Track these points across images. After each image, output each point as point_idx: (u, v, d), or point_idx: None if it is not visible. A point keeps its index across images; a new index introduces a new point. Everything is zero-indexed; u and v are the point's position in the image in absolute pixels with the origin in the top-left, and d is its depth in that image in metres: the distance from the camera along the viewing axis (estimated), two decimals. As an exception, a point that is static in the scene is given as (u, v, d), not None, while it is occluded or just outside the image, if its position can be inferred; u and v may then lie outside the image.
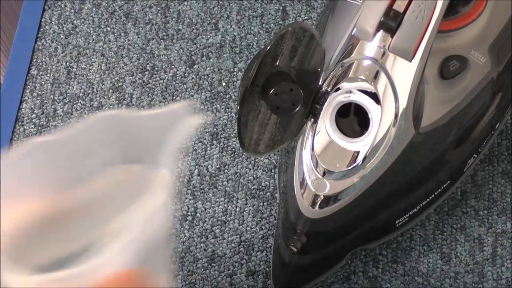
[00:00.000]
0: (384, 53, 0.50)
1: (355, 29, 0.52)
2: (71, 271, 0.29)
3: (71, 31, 0.72)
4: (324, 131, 0.50)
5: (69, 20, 0.73)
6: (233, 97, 0.69)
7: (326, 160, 0.50)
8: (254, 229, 0.63)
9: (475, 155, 0.60)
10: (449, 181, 0.59)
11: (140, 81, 0.70)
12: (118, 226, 0.32)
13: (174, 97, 0.69)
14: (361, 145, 0.50)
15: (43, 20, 0.73)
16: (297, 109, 0.48)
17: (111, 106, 0.69)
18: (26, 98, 0.69)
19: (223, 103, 0.68)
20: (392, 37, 0.50)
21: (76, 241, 0.35)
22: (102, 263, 0.30)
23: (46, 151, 0.32)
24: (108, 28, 0.72)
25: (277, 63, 0.48)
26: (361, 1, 0.56)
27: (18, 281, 0.29)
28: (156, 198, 0.31)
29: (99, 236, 0.34)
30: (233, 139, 0.67)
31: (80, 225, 0.35)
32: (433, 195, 0.58)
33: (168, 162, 0.33)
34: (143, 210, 0.30)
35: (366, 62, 0.51)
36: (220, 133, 0.67)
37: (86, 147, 0.33)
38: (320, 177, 0.51)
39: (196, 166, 0.66)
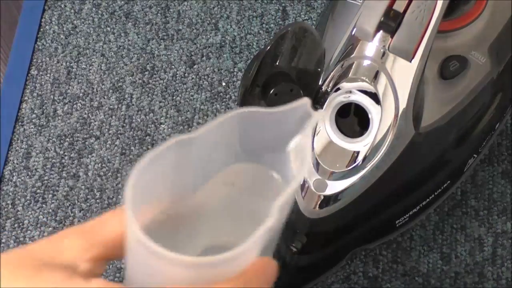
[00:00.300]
0: (384, 53, 0.50)
1: (355, 29, 0.52)
2: (225, 255, 0.29)
3: (71, 31, 0.72)
4: (324, 131, 0.50)
5: (69, 20, 0.73)
6: (233, 97, 0.69)
7: (326, 160, 0.50)
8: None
9: (475, 155, 0.60)
10: (449, 181, 0.59)
11: (140, 81, 0.70)
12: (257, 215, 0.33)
13: (174, 97, 0.69)
14: (361, 145, 0.50)
15: (43, 20, 0.73)
16: (297, 109, 0.48)
17: (111, 106, 0.69)
18: (26, 98, 0.69)
19: (223, 103, 0.68)
20: (392, 37, 0.50)
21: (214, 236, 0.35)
22: (248, 249, 0.30)
23: (181, 149, 0.32)
24: (108, 28, 0.72)
25: (277, 63, 0.48)
26: (361, 1, 0.56)
27: (181, 261, 0.29)
28: (290, 187, 0.31)
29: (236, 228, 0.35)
30: (233, 139, 0.67)
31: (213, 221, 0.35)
32: (433, 195, 0.58)
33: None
34: (281, 199, 0.31)
35: (366, 62, 0.51)
36: (220, 133, 0.67)
37: (216, 145, 0.33)
38: (320, 177, 0.51)
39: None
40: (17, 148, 0.68)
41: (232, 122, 0.32)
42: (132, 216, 0.28)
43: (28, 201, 0.66)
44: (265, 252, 0.32)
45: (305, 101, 0.32)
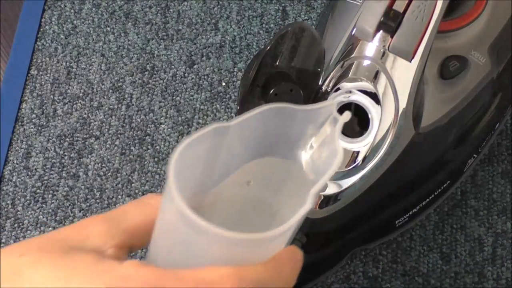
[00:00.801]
0: (384, 53, 0.50)
1: (355, 29, 0.52)
2: (269, 233, 0.30)
3: (71, 31, 0.72)
4: (324, 131, 0.50)
5: (69, 20, 0.73)
6: (233, 97, 0.69)
7: (326, 160, 0.50)
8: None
9: (475, 155, 0.60)
10: (449, 181, 0.59)
11: (140, 81, 0.70)
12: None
13: (174, 97, 0.69)
14: (361, 145, 0.50)
15: (43, 20, 0.73)
16: (297, 109, 0.48)
17: (111, 106, 0.69)
18: (26, 98, 0.69)
19: (223, 103, 0.68)
20: (392, 37, 0.50)
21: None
22: (283, 232, 0.30)
23: (216, 138, 0.33)
24: (108, 28, 0.72)
25: (277, 63, 0.48)
26: (361, 1, 0.56)
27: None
28: (324, 177, 0.32)
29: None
30: (233, 139, 0.67)
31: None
32: (433, 195, 0.58)
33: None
34: (317, 187, 0.32)
35: (366, 62, 0.51)
36: (220, 133, 0.67)
37: (245, 138, 0.34)
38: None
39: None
40: (17, 148, 0.68)
41: (268, 115, 0.33)
42: (176, 190, 0.29)
43: (28, 201, 0.66)
44: (286, 244, 0.33)
45: (331, 103, 0.33)
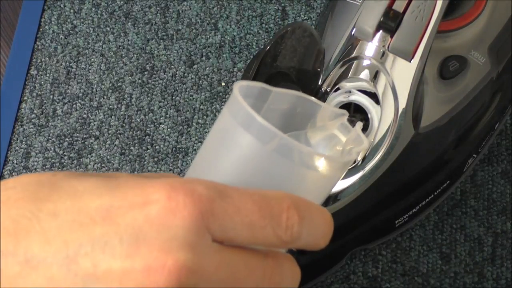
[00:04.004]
0: (383, 53, 0.50)
1: (354, 29, 0.52)
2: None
3: (71, 31, 0.72)
4: (323, 131, 0.50)
5: (68, 20, 0.73)
6: (232, 97, 0.69)
7: (325, 160, 0.50)
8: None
9: (475, 155, 0.60)
10: (448, 181, 0.59)
11: (140, 81, 0.70)
12: None
13: (173, 97, 0.69)
14: (361, 145, 0.50)
15: (42, 20, 0.73)
16: (297, 109, 0.48)
17: (110, 106, 0.69)
18: (25, 98, 0.69)
19: (223, 103, 0.68)
20: (391, 37, 0.50)
21: None
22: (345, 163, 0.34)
23: (256, 100, 0.34)
24: (108, 28, 0.72)
25: (276, 63, 0.48)
26: (360, 1, 0.56)
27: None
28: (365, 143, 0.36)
29: None
30: (233, 139, 0.67)
31: None
32: (432, 195, 0.58)
33: None
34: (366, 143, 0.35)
35: (366, 62, 0.51)
36: (219, 133, 0.67)
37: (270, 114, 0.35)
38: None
39: (196, 166, 0.66)
40: (16, 148, 0.68)
41: (298, 100, 0.35)
42: (240, 94, 0.31)
43: (27, 201, 0.66)
44: None
45: (344, 113, 0.36)
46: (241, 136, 0.31)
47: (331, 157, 0.33)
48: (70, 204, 0.30)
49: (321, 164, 0.32)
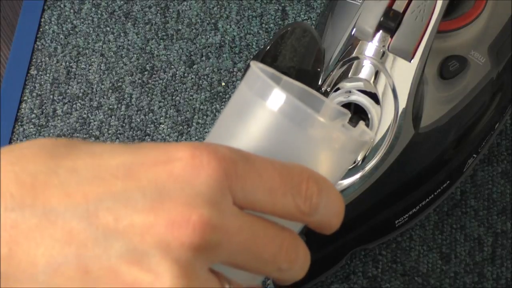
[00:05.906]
0: (383, 53, 0.50)
1: (354, 29, 0.52)
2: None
3: (71, 31, 0.72)
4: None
5: (68, 20, 0.73)
6: (232, 97, 0.69)
7: (325, 160, 0.50)
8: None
9: (475, 155, 0.60)
10: (448, 181, 0.59)
11: (140, 81, 0.70)
12: None
13: (173, 97, 0.69)
14: (361, 145, 0.50)
15: (42, 20, 0.73)
16: (297, 109, 0.48)
17: (110, 106, 0.69)
18: (25, 98, 0.69)
19: (223, 103, 0.68)
20: (391, 37, 0.50)
21: None
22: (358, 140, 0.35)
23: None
24: (108, 28, 0.72)
25: (276, 63, 0.48)
26: (360, 1, 0.56)
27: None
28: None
29: None
30: (233, 139, 0.67)
31: None
32: (432, 195, 0.59)
33: None
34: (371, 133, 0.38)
35: (366, 62, 0.51)
36: (219, 133, 0.67)
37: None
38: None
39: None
40: (16, 148, 0.68)
41: (305, 93, 0.36)
42: (257, 67, 0.32)
43: (27, 201, 0.66)
44: None
45: (346, 113, 0.37)
46: (260, 108, 0.31)
47: (351, 133, 0.34)
48: (90, 161, 0.29)
49: (338, 139, 0.33)
